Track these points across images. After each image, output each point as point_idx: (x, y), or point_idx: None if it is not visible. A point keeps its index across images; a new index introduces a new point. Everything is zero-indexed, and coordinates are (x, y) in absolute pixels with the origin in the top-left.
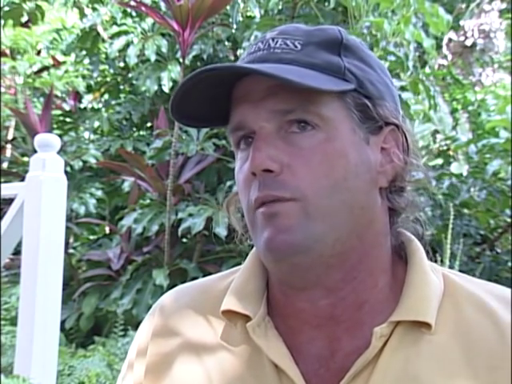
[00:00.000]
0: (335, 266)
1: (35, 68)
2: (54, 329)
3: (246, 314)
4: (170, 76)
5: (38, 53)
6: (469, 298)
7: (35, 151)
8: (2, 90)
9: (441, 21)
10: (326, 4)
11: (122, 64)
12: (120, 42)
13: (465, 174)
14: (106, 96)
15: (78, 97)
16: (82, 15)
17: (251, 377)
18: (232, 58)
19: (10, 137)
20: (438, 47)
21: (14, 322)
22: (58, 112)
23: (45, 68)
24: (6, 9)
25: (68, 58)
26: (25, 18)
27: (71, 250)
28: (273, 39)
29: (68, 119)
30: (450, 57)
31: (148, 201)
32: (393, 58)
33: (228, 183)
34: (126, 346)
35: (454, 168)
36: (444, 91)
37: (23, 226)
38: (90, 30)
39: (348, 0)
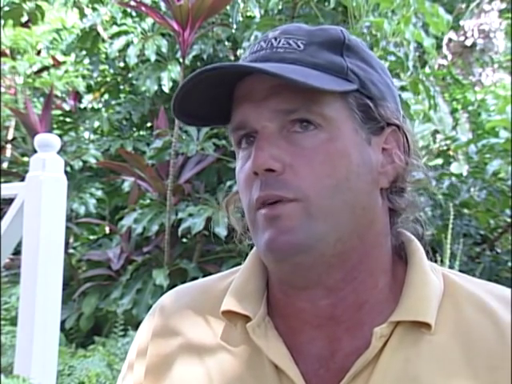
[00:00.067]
0: (336, 265)
1: (35, 68)
2: (53, 329)
3: (246, 314)
4: (170, 76)
5: (38, 53)
6: (469, 297)
7: (35, 151)
8: (2, 89)
9: (441, 21)
10: (326, 4)
11: (122, 64)
12: (120, 42)
13: (465, 173)
14: (106, 96)
15: (78, 97)
16: (82, 15)
17: (251, 377)
18: (232, 57)
19: (10, 137)
20: (438, 47)
21: (14, 322)
22: (58, 112)
23: (45, 68)
24: (6, 9)
25: (68, 57)
26: (25, 18)
27: (71, 250)
28: (275, 38)
29: (68, 119)
30: (449, 57)
31: (148, 201)
32: (393, 58)
33: (228, 183)
34: (126, 345)
35: (454, 168)
36: (444, 91)
37: (23, 226)
38: (90, 30)
39: (348, 0)
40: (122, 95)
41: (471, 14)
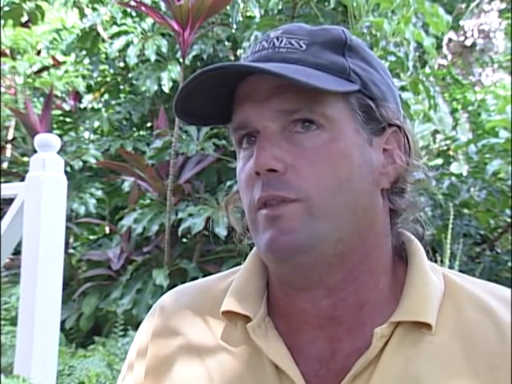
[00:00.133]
0: (337, 266)
1: (35, 68)
2: (53, 329)
3: (246, 314)
4: (170, 76)
5: (38, 53)
6: (469, 298)
7: (35, 151)
8: (2, 89)
9: (441, 21)
10: (326, 4)
11: (122, 64)
12: (120, 42)
13: (465, 173)
14: (106, 96)
15: (78, 97)
16: (82, 15)
17: (251, 377)
18: (232, 57)
19: (10, 137)
20: (438, 47)
21: (14, 322)
22: (58, 112)
23: (45, 68)
24: (6, 9)
25: (68, 57)
26: (25, 18)
27: (71, 250)
28: (277, 38)
29: (68, 119)
30: (449, 57)
31: (148, 201)
32: (393, 58)
33: (228, 183)
34: (126, 345)
35: (454, 168)
36: (444, 91)
37: (23, 226)
38: (90, 30)
39: (348, 0)
40: (122, 95)
41: (471, 14)
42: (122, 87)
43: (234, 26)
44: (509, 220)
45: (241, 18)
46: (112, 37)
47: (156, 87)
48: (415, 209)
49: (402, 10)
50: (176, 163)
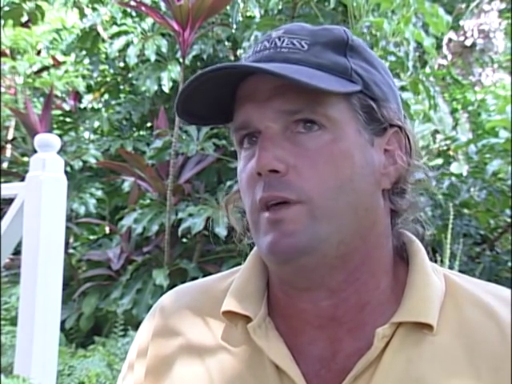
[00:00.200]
0: (339, 267)
1: (35, 68)
2: (53, 329)
3: (247, 314)
4: (170, 76)
5: (38, 53)
6: (470, 298)
7: (35, 151)
8: (2, 89)
9: (440, 21)
10: (326, 4)
11: (122, 64)
12: (120, 42)
13: (465, 173)
14: (106, 96)
15: (78, 97)
16: (82, 15)
17: (252, 377)
18: (232, 57)
19: (10, 137)
20: (438, 47)
21: (14, 322)
22: (58, 112)
23: (45, 68)
24: (6, 9)
25: (68, 57)
26: (25, 18)
27: (71, 250)
28: (279, 38)
29: (68, 119)
30: (449, 57)
31: (148, 201)
32: (393, 58)
33: (228, 183)
34: (126, 345)
35: (454, 168)
36: (444, 91)
37: (23, 226)
38: (90, 30)
39: (348, 0)
40: (122, 95)
41: (471, 14)
42: (122, 87)
43: (234, 26)
44: (509, 220)
45: (241, 18)
46: (112, 37)
47: (156, 87)
48: (416, 209)
49: (402, 10)
50: (176, 163)
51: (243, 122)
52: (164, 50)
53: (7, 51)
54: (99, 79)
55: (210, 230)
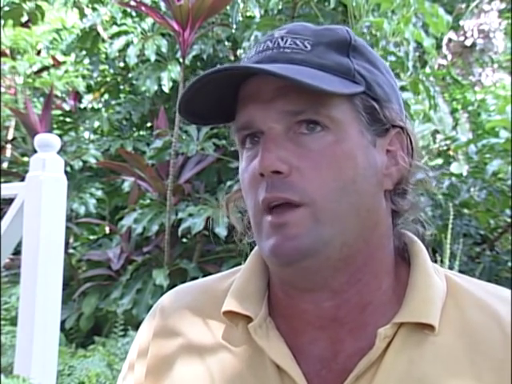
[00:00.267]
0: (341, 269)
1: (35, 68)
2: (53, 329)
3: (248, 314)
4: (170, 76)
5: (38, 53)
6: (471, 299)
7: (35, 151)
8: (2, 89)
9: (440, 21)
10: (326, 4)
11: (122, 64)
12: (120, 42)
13: (465, 173)
14: (106, 96)
15: (78, 97)
16: (82, 15)
17: (253, 377)
18: (232, 58)
19: (10, 137)
20: (438, 47)
21: (14, 322)
22: (58, 112)
23: (45, 68)
24: (6, 9)
25: (68, 57)
26: (25, 18)
27: (71, 250)
28: (282, 38)
29: (68, 119)
30: (449, 57)
31: (148, 201)
32: (393, 58)
33: (228, 183)
34: (126, 345)
35: (454, 168)
36: (444, 91)
37: (23, 226)
38: (90, 30)
39: (348, 0)
40: (122, 95)
41: (471, 14)
42: (122, 87)
43: (234, 26)
44: (509, 220)
45: (241, 18)
46: (112, 37)
47: (156, 87)
48: (417, 209)
49: (402, 10)
50: (176, 163)
51: (246, 122)
52: (164, 50)
53: (7, 51)
54: (99, 79)
55: (210, 229)
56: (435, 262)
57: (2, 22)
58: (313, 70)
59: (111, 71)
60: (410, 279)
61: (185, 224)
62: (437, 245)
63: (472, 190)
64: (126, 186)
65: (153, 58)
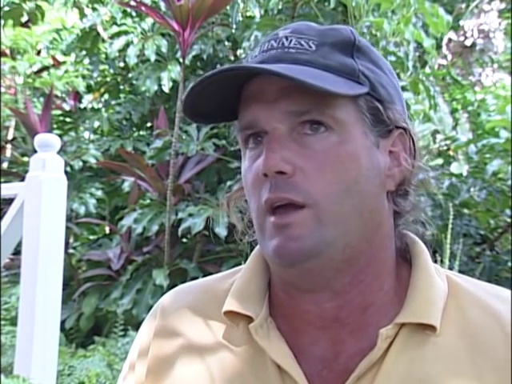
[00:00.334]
0: (344, 270)
1: (35, 68)
2: (53, 329)
3: (248, 315)
4: (170, 76)
5: (38, 53)
6: (472, 300)
7: (35, 151)
8: (2, 89)
9: (441, 21)
10: (326, 4)
11: (122, 64)
12: (120, 42)
13: (465, 174)
14: (106, 96)
15: (78, 97)
16: (82, 15)
17: (253, 377)
18: (232, 58)
19: (10, 137)
20: (438, 47)
21: (14, 322)
22: (58, 112)
23: (45, 68)
24: (6, 9)
25: (68, 57)
26: (25, 18)
27: (71, 250)
28: (286, 38)
29: (68, 119)
30: (449, 57)
31: (148, 201)
32: (393, 58)
33: (228, 183)
34: (126, 345)
35: (454, 168)
36: (444, 91)
37: (23, 226)
38: (90, 30)
39: (348, 0)
40: (122, 95)
41: (471, 14)
42: (122, 87)
43: (234, 26)
44: (509, 220)
45: (241, 18)
46: (112, 37)
47: (156, 87)
48: (418, 211)
49: (402, 10)
50: (176, 163)
51: (250, 121)
52: (164, 50)
53: (7, 51)
54: (99, 79)
55: (210, 229)
56: (435, 262)
57: (2, 22)
58: (317, 71)
59: (111, 71)
60: (411, 280)
61: (185, 224)
62: (437, 245)
63: (472, 189)
64: (126, 186)
65: (153, 58)
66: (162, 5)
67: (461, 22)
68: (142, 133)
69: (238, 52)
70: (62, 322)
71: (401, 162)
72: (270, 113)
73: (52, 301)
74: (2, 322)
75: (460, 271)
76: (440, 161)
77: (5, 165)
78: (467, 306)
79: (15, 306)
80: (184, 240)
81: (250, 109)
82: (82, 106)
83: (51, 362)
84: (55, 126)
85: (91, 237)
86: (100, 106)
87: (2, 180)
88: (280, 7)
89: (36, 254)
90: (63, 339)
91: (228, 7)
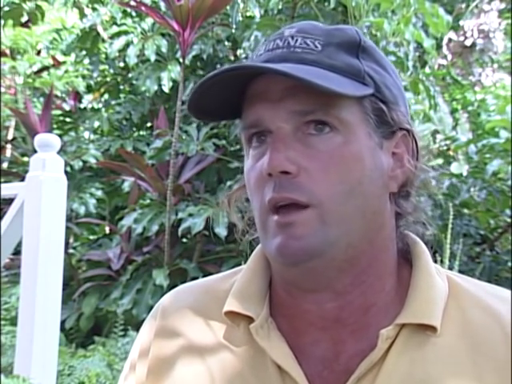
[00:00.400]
0: (346, 270)
1: (35, 68)
2: (53, 329)
3: (249, 315)
4: (170, 76)
5: (38, 53)
6: (473, 300)
7: (35, 151)
8: (2, 89)
9: (441, 21)
10: (326, 4)
11: (122, 64)
12: (120, 42)
13: (465, 174)
14: (106, 96)
15: (78, 97)
16: (82, 15)
17: (254, 377)
18: (232, 58)
19: (10, 137)
20: (438, 47)
21: (14, 322)
22: (58, 112)
23: (45, 68)
24: (6, 9)
25: (68, 57)
26: (25, 18)
27: (71, 250)
28: (292, 37)
29: (68, 119)
30: (449, 57)
31: (148, 201)
32: (393, 58)
33: (228, 183)
34: (126, 346)
35: (454, 168)
36: (444, 91)
37: (23, 226)
38: (90, 30)
39: (348, 0)
40: (122, 95)
41: (471, 14)
42: (122, 87)
43: (234, 26)
44: (509, 220)
45: (241, 18)
46: (112, 37)
47: (156, 87)
48: (420, 212)
49: (402, 10)
50: (176, 163)
51: (254, 120)
52: (164, 50)
53: (7, 51)
54: (99, 79)
55: (210, 229)
56: (435, 262)
57: (2, 22)
58: (324, 71)
59: (111, 71)
60: (411, 280)
61: (185, 224)
62: (437, 245)
63: (472, 189)
64: (126, 186)
65: (153, 58)
66: (162, 5)
67: (461, 22)
68: (142, 133)
69: (238, 52)
70: (62, 322)
71: (404, 164)
72: (274, 112)
73: (52, 301)
74: (2, 322)
75: (460, 271)
76: (440, 161)
77: (5, 165)
78: (467, 307)
79: (15, 305)
80: (184, 240)
81: (255, 107)
82: (82, 106)
83: (51, 362)
84: (55, 126)
85: (91, 237)
86: (100, 106)
87: (2, 180)
88: (280, 7)
89: (36, 254)
90: (63, 339)
91: (228, 7)
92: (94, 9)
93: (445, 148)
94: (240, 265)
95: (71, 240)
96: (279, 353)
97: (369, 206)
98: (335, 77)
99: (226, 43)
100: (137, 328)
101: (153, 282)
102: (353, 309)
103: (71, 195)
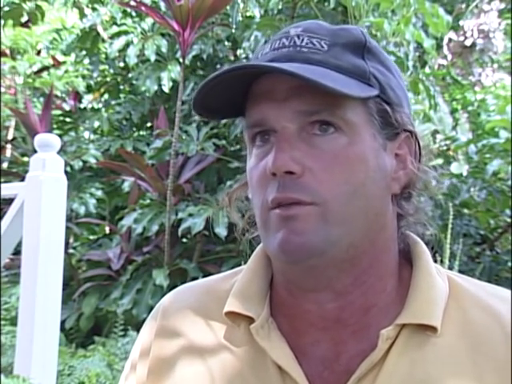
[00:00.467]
0: (347, 270)
1: (35, 68)
2: (53, 329)
3: (250, 315)
4: (170, 76)
5: (38, 53)
6: (473, 300)
7: (35, 151)
8: (2, 89)
9: (441, 21)
10: (326, 4)
11: (122, 64)
12: (120, 42)
13: (465, 174)
14: (106, 96)
15: (78, 97)
16: (82, 15)
17: (254, 378)
18: (232, 58)
19: (10, 137)
20: (438, 47)
21: (14, 322)
22: (58, 112)
23: (45, 68)
24: (6, 9)
25: (68, 57)
26: (25, 18)
27: (71, 250)
28: (298, 36)
29: (68, 119)
30: (449, 57)
31: (148, 201)
32: (393, 58)
33: (228, 183)
34: (126, 346)
35: (454, 168)
36: (444, 91)
37: (23, 226)
38: (90, 30)
39: (348, 0)
40: (122, 95)
41: (471, 14)
42: (122, 87)
43: (234, 26)
44: (509, 220)
45: (241, 18)
46: (112, 37)
47: (156, 87)
48: (421, 213)
49: (402, 11)
50: (176, 163)
51: (259, 119)
52: (164, 50)
53: (7, 51)
54: (99, 79)
55: (210, 229)
56: (435, 262)
57: (2, 21)
58: (329, 71)
59: (111, 71)
60: (412, 280)
61: (185, 224)
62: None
63: (472, 189)
64: (125, 186)
65: (153, 58)
66: (162, 5)
67: (461, 22)
68: (142, 133)
69: (238, 52)
70: (62, 322)
71: (407, 165)
72: (280, 111)
73: (52, 301)
74: (2, 322)
75: (460, 271)
76: (440, 161)
77: (5, 165)
78: (468, 307)
79: (15, 305)
80: (184, 240)
81: (260, 107)
82: (82, 106)
83: (51, 362)
84: (55, 126)
85: (91, 237)
86: (100, 106)
87: (2, 180)
88: (280, 7)
89: (36, 254)
90: (63, 339)
91: (228, 7)
92: (93, 9)
93: (445, 148)
94: (240, 265)
95: (71, 240)
96: (280, 353)
97: (371, 206)
98: (341, 77)
99: (226, 43)
100: (137, 328)
101: (153, 282)
102: (353, 309)
103: (71, 195)
